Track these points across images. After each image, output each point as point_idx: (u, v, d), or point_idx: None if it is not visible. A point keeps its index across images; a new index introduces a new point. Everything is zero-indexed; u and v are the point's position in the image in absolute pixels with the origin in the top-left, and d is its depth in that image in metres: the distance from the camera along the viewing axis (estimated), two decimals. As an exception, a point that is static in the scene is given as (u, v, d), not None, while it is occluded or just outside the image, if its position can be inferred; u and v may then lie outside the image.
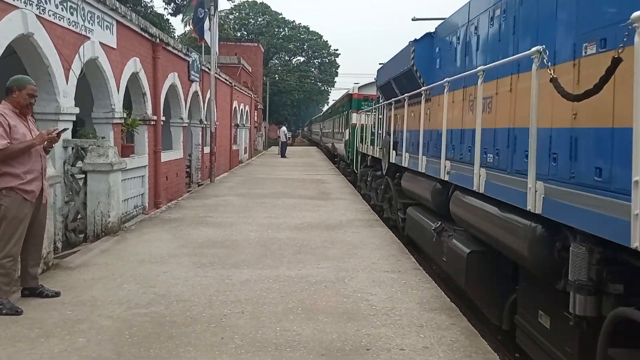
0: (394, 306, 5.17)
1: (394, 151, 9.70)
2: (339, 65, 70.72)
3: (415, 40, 8.44)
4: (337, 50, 70.60)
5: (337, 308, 5.09)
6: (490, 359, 4.05)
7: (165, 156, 13.35)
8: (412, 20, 13.13)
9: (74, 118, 8.40)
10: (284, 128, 36.02)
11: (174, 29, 33.51)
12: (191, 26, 18.01)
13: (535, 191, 3.89)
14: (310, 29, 69.14)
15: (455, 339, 4.38)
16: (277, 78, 61.29)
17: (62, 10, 7.88)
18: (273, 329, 4.54)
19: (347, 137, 18.16)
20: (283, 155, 31.87)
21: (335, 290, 5.64)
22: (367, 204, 12.56)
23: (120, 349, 4.08)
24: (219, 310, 4.97)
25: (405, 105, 8.82)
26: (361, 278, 6.13)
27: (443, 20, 7.96)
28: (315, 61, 70.25)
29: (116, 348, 4.10)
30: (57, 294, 5.30)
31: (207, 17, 16.99)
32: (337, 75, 71.00)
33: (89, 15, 8.75)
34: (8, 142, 4.76)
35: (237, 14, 63.08)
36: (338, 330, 4.53)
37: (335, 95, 61.42)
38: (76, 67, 8.37)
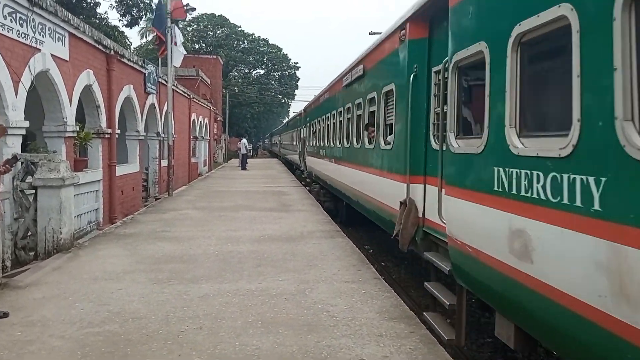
0: (354, 316, 5.18)
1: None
2: (298, 78, 71.07)
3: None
4: (297, 63, 71.00)
5: (298, 320, 5.07)
6: (449, 366, 4.11)
7: (120, 170, 13.04)
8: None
9: (23, 132, 8.11)
10: (244, 140, 35.75)
11: (130, 42, 32.88)
12: (152, 29, 17.85)
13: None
14: (270, 42, 69.31)
15: (414, 347, 4.42)
16: (237, 90, 60.97)
17: (11, 21, 7.64)
18: (232, 344, 4.47)
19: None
20: (244, 167, 31.62)
21: (296, 303, 5.61)
22: (328, 215, 12.59)
23: (71, 371, 3.93)
24: (176, 327, 4.86)
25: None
26: (322, 289, 6.12)
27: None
28: (275, 74, 70.33)
29: (68, 369, 3.95)
30: (5, 315, 5.08)
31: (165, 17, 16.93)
32: (297, 88, 71.31)
33: (40, 26, 8.50)
34: None
35: (195, 26, 62.58)
36: (298, 342, 4.50)
37: (295, 107, 61.58)
38: (26, 80, 8.11)
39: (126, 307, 5.42)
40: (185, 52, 18.25)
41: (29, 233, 7.97)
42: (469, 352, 5.88)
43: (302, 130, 23.33)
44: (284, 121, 54.04)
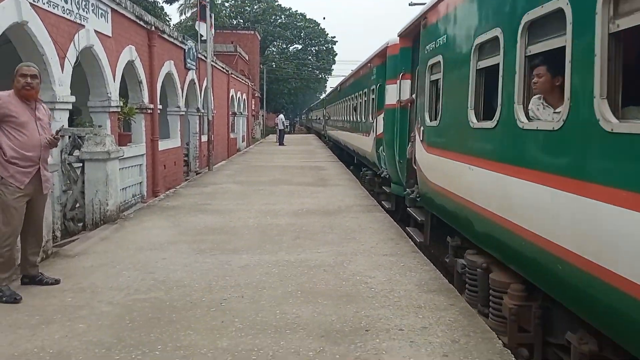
0: (393, 288, 5.20)
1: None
2: (336, 53, 70.38)
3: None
4: (334, 37, 70.28)
5: (336, 291, 5.12)
6: (488, 338, 4.08)
7: (162, 145, 13.33)
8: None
9: (70, 107, 8.37)
10: (281, 116, 35.92)
11: (169, 18, 33.24)
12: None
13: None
14: (307, 17, 68.73)
15: (454, 319, 4.41)
16: (274, 66, 60.98)
17: (56, -2, 7.82)
18: (273, 312, 4.57)
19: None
20: (281, 143, 31.82)
21: (334, 274, 5.66)
22: (366, 190, 12.58)
23: (120, 334, 4.10)
24: (219, 295, 4.99)
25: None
26: (360, 262, 6.15)
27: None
28: (312, 49, 69.87)
29: (117, 333, 4.13)
30: (56, 282, 5.32)
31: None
32: (334, 63, 70.71)
33: (83, 3, 8.68)
34: None
35: (232, 1, 62.59)
36: (337, 312, 4.56)
37: (333, 82, 61.23)
38: (71, 56, 8.33)
39: (171, 276, 5.59)
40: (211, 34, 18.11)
41: (77, 205, 8.27)
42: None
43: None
44: (322, 97, 54.03)
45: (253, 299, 4.90)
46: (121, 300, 4.88)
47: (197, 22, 16.99)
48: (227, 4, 59.99)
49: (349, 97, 18.54)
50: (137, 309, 4.63)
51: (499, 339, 4.11)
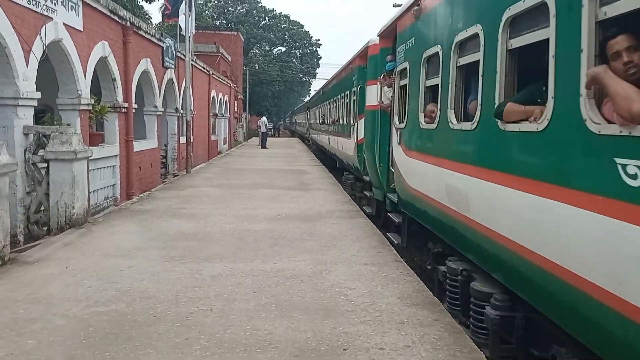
0: (374, 301, 4.86)
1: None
2: (320, 57, 70.22)
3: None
4: (318, 40, 70.10)
5: (314, 304, 4.77)
6: (476, 358, 3.77)
7: (138, 146, 12.85)
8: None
9: (35, 103, 7.88)
10: (264, 118, 35.45)
11: (149, 16, 32.50)
12: (165, 2, 17.27)
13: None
14: (291, 19, 68.43)
15: (439, 337, 4.08)
16: (257, 68, 60.48)
17: (21, -13, 7.36)
18: (243, 328, 4.20)
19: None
20: (263, 146, 31.37)
21: (312, 285, 5.31)
22: (348, 195, 12.26)
23: (72, 352, 3.70)
24: (186, 308, 4.60)
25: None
26: (340, 271, 5.81)
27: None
28: (296, 51, 69.58)
29: (68, 351, 3.72)
30: None
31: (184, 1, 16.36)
32: (318, 67, 70.53)
33: (52, -6, 8.21)
34: None
35: (215, 1, 62.02)
36: (314, 328, 4.21)
37: (317, 85, 60.90)
38: (37, 49, 7.86)
39: (135, 286, 5.18)
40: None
41: (42, 207, 7.81)
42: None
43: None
44: (305, 100, 53.80)
45: (223, 312, 4.52)
46: (78, 313, 4.47)
47: (181, 14, 16.27)
48: (209, 4, 59.38)
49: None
50: (94, 324, 4.23)
51: (480, 350, 3.83)
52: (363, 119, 10.47)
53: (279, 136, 57.87)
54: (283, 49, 69.13)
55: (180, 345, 3.86)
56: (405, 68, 6.91)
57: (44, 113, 9.83)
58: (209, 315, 4.45)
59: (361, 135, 10.75)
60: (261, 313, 4.52)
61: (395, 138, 7.46)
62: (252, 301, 4.81)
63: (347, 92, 13.69)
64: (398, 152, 7.22)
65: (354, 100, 12.25)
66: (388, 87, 8.37)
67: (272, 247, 6.86)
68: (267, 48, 68.16)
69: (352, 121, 12.57)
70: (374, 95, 9.31)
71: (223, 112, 29.77)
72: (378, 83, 8.98)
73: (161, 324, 4.25)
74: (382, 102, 8.75)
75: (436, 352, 3.81)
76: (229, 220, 8.61)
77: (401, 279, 5.58)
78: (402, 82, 7.21)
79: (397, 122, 7.35)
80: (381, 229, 8.51)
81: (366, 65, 10.40)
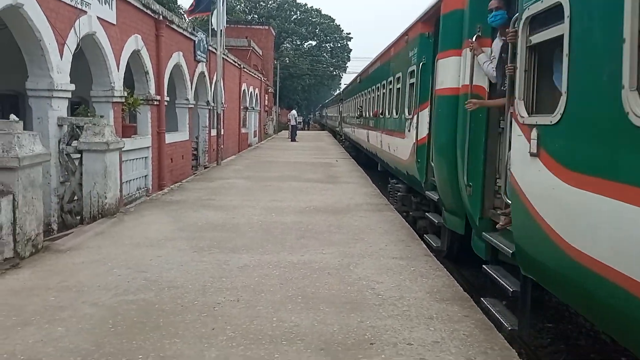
0: (402, 295, 4.77)
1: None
2: (351, 50, 69.89)
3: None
4: (349, 34, 69.69)
5: (340, 297, 4.71)
6: (508, 356, 3.64)
7: (169, 138, 13.00)
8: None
9: (69, 95, 8.02)
10: (293, 112, 35.56)
11: (182, 11, 32.86)
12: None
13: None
14: (322, 13, 68.24)
15: (469, 333, 3.97)
16: (288, 62, 60.58)
17: (56, -19, 7.49)
18: (269, 319, 4.17)
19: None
20: (293, 139, 31.45)
21: (339, 278, 5.25)
22: (377, 188, 12.14)
23: (100, 340, 3.73)
24: (213, 298, 4.61)
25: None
26: (367, 265, 5.73)
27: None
28: (327, 45, 69.39)
29: (96, 339, 3.76)
30: None
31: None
32: (349, 60, 70.23)
33: (86, -13, 8.34)
34: None
35: (248, -4, 62.35)
36: (340, 321, 4.15)
37: (347, 79, 60.55)
38: (71, 42, 7.99)
39: (164, 275, 5.22)
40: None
41: (75, 197, 7.95)
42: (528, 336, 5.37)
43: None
44: (335, 94, 53.60)
45: (249, 303, 4.50)
46: (107, 301, 4.52)
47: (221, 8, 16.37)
48: (242, -1, 59.72)
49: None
50: (122, 312, 4.27)
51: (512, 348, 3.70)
52: (427, 109, 7.83)
53: (308, 129, 58.00)
54: (314, 43, 69.04)
55: (206, 335, 3.85)
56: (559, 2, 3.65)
57: (79, 105, 10.03)
58: (236, 305, 4.44)
59: (424, 132, 7.92)
60: (287, 305, 4.48)
61: (519, 144, 4.22)
62: (278, 293, 4.78)
63: (399, 74, 10.58)
64: (533, 172, 3.88)
65: (412, 83, 9.08)
66: (489, 59, 5.43)
67: (299, 240, 6.83)
68: (298, 42, 68.20)
69: (406, 113, 9.51)
70: (451, 72, 6.31)
71: (253, 105, 29.92)
72: (466, 50, 5.83)
73: (188, 313, 4.26)
74: (472, 82, 5.62)
75: (466, 348, 3.70)
76: (257, 212, 8.61)
77: (430, 273, 5.47)
78: (548, 35, 3.94)
79: (525, 114, 4.18)
80: (454, 272, 6.33)
81: (433, 33, 7.77)
